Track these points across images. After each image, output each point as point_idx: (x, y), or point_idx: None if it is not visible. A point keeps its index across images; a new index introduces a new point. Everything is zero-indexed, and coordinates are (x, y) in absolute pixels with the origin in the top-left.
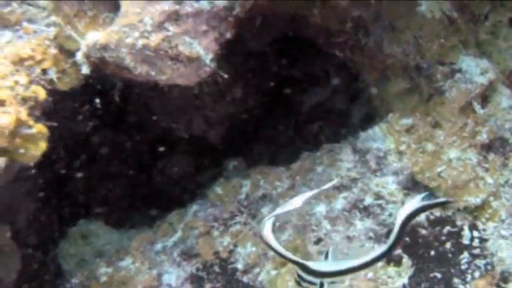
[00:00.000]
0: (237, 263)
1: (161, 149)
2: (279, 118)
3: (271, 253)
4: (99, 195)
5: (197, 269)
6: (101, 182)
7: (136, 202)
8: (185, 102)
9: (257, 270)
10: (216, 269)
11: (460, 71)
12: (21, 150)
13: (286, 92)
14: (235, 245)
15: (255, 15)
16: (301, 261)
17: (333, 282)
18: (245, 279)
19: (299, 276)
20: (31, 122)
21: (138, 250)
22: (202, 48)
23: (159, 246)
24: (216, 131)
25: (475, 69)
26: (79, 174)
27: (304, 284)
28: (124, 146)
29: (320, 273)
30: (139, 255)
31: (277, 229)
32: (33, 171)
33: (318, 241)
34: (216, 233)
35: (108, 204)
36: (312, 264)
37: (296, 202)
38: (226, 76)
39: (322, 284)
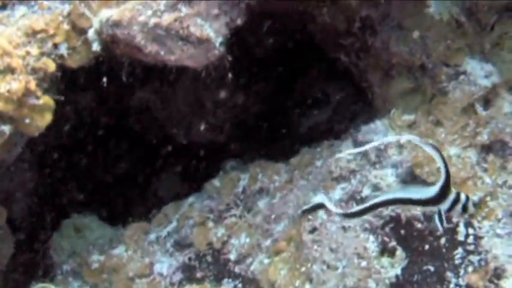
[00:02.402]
0: (230, 254)
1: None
2: (277, 136)
3: (265, 243)
4: (95, 193)
5: (189, 259)
6: (95, 178)
7: (130, 205)
8: (186, 107)
9: (250, 260)
10: (209, 259)
11: (464, 73)
12: (27, 120)
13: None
14: (229, 236)
15: (265, 11)
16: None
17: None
18: (237, 269)
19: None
20: (39, 93)
21: (131, 239)
22: (213, 31)
23: (153, 236)
24: (215, 137)
25: (480, 72)
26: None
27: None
28: (121, 149)
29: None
30: (132, 243)
31: (272, 221)
32: (27, 163)
33: (313, 230)
34: (210, 224)
35: (103, 201)
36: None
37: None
38: (231, 59)
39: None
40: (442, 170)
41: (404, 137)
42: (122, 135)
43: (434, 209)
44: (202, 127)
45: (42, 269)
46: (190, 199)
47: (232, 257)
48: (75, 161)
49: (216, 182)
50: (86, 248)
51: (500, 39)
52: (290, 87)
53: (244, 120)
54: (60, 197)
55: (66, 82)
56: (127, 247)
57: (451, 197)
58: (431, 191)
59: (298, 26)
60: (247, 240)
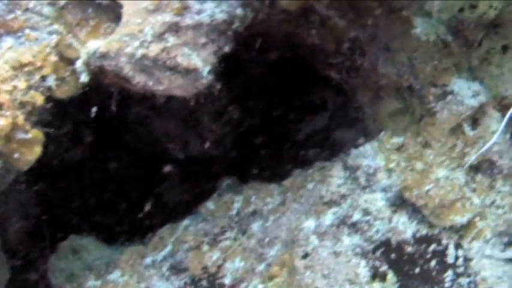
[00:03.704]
0: (225, 278)
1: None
2: (275, 144)
3: (259, 268)
4: (93, 212)
5: (185, 284)
6: (93, 198)
7: (129, 222)
8: (182, 123)
9: (244, 284)
10: (204, 283)
11: (451, 93)
12: (16, 155)
13: (284, 117)
14: (224, 260)
15: (254, 34)
16: None
17: None
18: None
19: None
20: (27, 127)
21: (127, 263)
22: (200, 60)
23: (148, 260)
24: (211, 151)
25: (467, 92)
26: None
27: None
28: (119, 166)
29: None
30: (128, 268)
31: (266, 244)
32: (24, 185)
33: (305, 256)
34: (205, 247)
35: (99, 222)
36: None
37: None
38: (219, 87)
39: None
40: None
41: None
42: (120, 150)
43: None
44: (198, 142)
45: None
46: (185, 222)
47: (227, 281)
48: (74, 176)
49: (210, 205)
50: (84, 270)
51: (488, 54)
52: (286, 97)
53: (241, 134)
54: (59, 215)
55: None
56: (123, 272)
57: None
58: None
59: (288, 46)
60: (242, 264)
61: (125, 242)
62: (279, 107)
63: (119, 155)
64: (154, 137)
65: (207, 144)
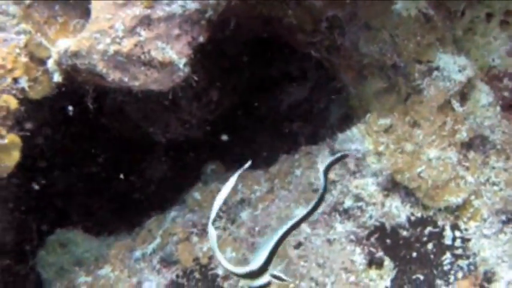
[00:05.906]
0: (218, 269)
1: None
2: (257, 119)
3: (251, 258)
4: (78, 203)
5: (177, 276)
6: (79, 189)
7: (116, 209)
8: (161, 106)
9: None
10: (197, 275)
11: (437, 68)
12: None
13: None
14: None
15: (228, 17)
16: (238, 270)
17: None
18: (226, 285)
19: None
20: (3, 132)
21: (117, 258)
22: (175, 53)
23: (138, 253)
24: (193, 134)
25: (453, 67)
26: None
27: None
28: (101, 152)
29: (261, 269)
30: (118, 263)
31: (257, 234)
32: (7, 180)
33: (298, 245)
34: (195, 238)
35: (86, 211)
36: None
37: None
38: (196, 79)
39: (269, 283)
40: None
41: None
42: (100, 135)
43: None
44: (178, 125)
45: (31, 286)
46: (173, 213)
47: (220, 272)
48: (55, 172)
49: (196, 195)
50: (73, 264)
51: (472, 23)
52: (265, 71)
53: (222, 115)
54: (44, 211)
55: None
56: (113, 267)
57: None
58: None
59: (264, 27)
60: (233, 254)
61: (112, 232)
62: (258, 82)
63: (99, 143)
64: (133, 121)
65: (188, 127)
